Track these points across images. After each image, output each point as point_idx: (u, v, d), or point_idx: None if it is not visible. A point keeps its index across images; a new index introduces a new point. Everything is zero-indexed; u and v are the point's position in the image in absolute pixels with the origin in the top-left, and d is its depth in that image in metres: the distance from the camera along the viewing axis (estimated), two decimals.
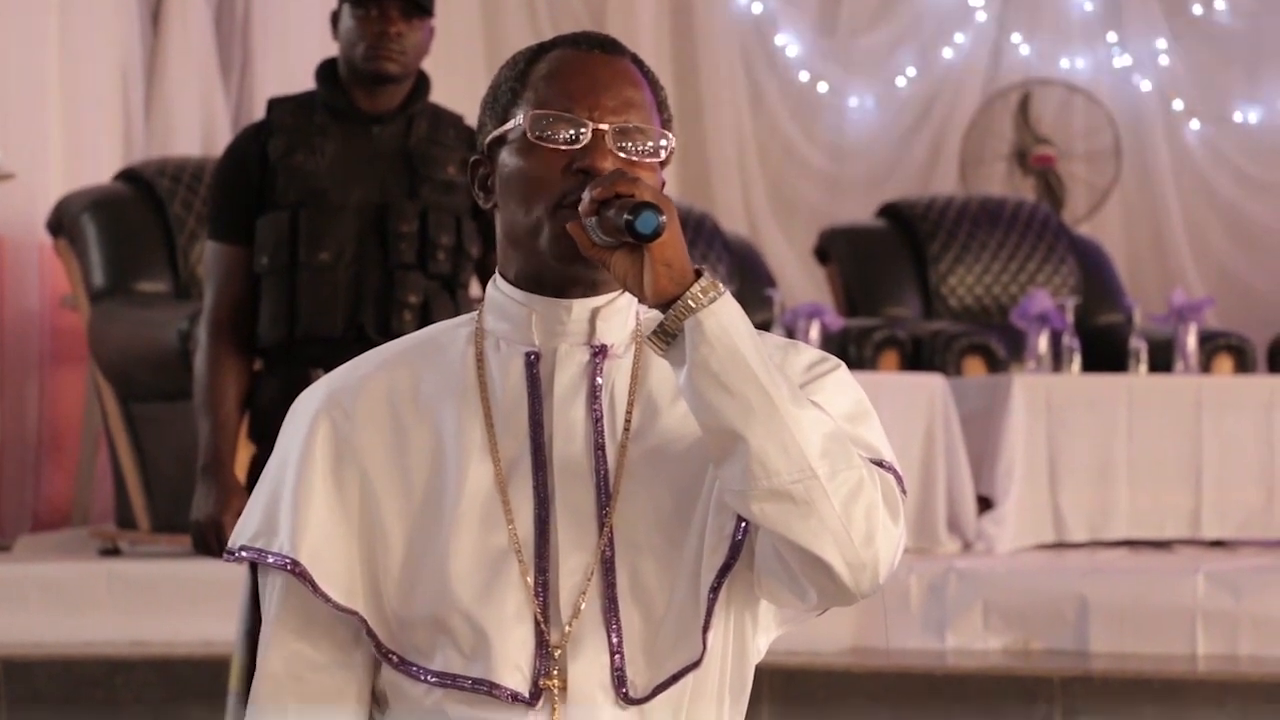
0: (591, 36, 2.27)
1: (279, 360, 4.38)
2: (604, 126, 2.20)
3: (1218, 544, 7.20)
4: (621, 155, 2.20)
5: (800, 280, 9.80)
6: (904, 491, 2.19)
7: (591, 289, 2.23)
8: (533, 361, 2.24)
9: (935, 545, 6.89)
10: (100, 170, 7.77)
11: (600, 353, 2.24)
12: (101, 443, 7.26)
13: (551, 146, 2.19)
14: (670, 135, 2.25)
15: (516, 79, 2.25)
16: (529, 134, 2.20)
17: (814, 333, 7.55)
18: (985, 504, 7.11)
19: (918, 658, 6.13)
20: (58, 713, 5.79)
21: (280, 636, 2.24)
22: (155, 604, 6.12)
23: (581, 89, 2.21)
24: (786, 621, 2.29)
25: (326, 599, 2.20)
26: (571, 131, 2.19)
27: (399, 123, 4.41)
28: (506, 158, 2.23)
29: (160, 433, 6.77)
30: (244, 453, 4.40)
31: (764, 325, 7.64)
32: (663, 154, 2.24)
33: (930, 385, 7.12)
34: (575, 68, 2.23)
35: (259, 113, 4.57)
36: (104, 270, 7.11)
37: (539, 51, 2.27)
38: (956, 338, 8.07)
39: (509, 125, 2.23)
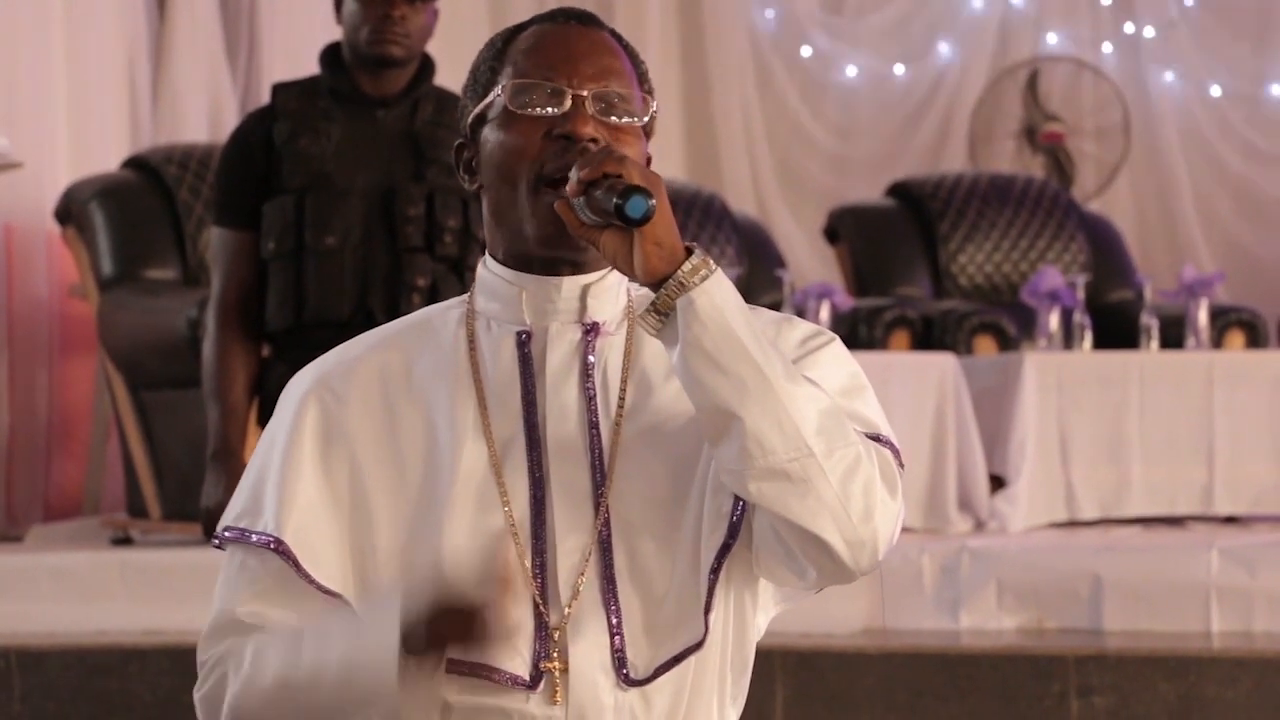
0: (569, 11, 2.26)
1: (287, 345, 4.39)
2: (584, 93, 2.19)
3: (1231, 520, 7.18)
4: (602, 121, 2.18)
5: (810, 260, 9.78)
6: (901, 465, 2.17)
7: (579, 268, 2.22)
8: (524, 341, 2.23)
9: (947, 525, 6.87)
10: (107, 158, 7.76)
11: (592, 330, 2.23)
12: (112, 431, 7.25)
13: (531, 115, 2.19)
14: (652, 103, 2.24)
15: (495, 57, 2.25)
16: (509, 105, 2.20)
17: (824, 313, 7.53)
18: (997, 483, 7.09)
19: (931, 638, 6.12)
20: (71, 703, 5.78)
21: (259, 609, 2.20)
22: (168, 592, 6.11)
23: (560, 58, 2.20)
24: (785, 599, 2.27)
25: (310, 580, 2.18)
26: (551, 100, 2.19)
27: (404, 106, 4.41)
28: (488, 134, 2.23)
29: (170, 420, 6.76)
30: (254, 439, 4.39)
31: (774, 306, 7.62)
32: (645, 119, 2.22)
33: (941, 364, 7.10)
34: (553, 39, 2.23)
35: (266, 98, 4.57)
36: (112, 258, 7.10)
37: (516, 30, 2.27)
38: (967, 316, 8.05)
39: (488, 100, 2.23)
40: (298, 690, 2.12)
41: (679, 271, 2.06)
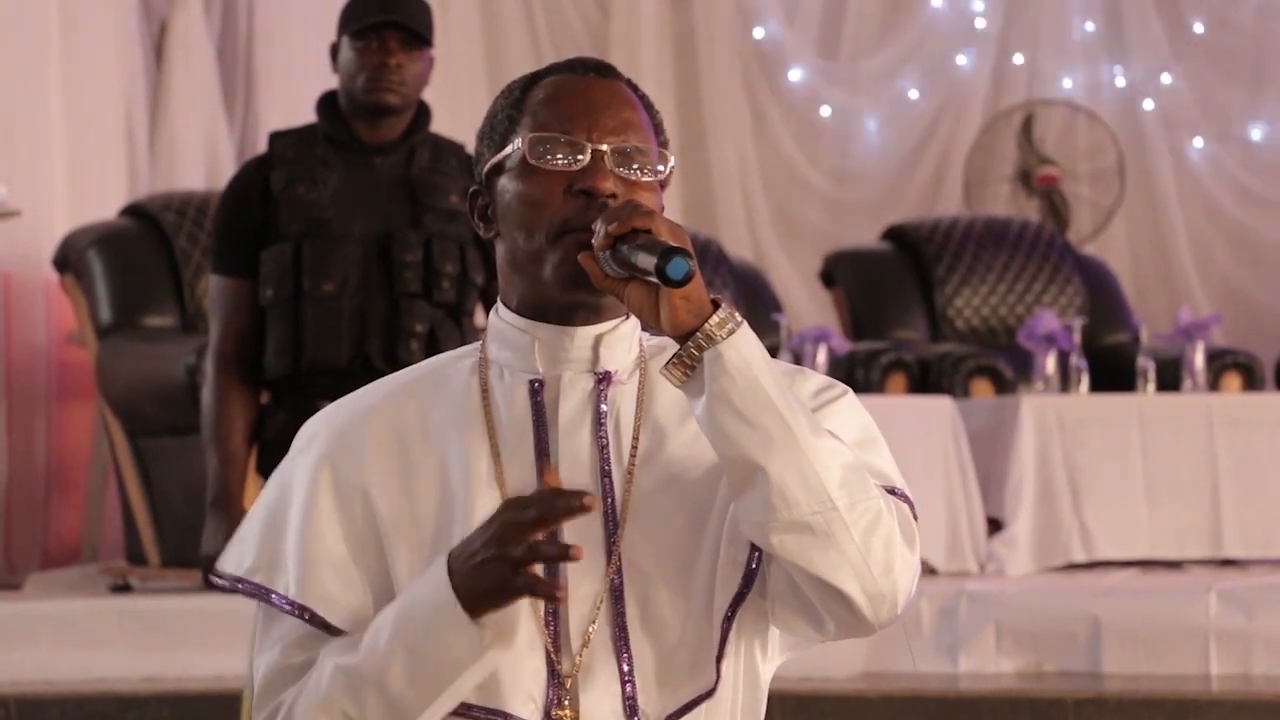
0: (586, 61, 2.26)
1: (286, 392, 4.39)
2: (603, 147, 2.19)
3: (1228, 563, 7.18)
4: (620, 176, 2.19)
5: (806, 304, 9.79)
6: (916, 518, 2.18)
7: (595, 315, 2.22)
8: (537, 389, 2.22)
9: (943, 567, 6.87)
10: (105, 206, 7.78)
11: (604, 379, 2.22)
12: (110, 478, 7.25)
13: (550, 169, 2.18)
14: (669, 156, 2.25)
15: (512, 106, 2.24)
16: (527, 157, 2.19)
17: (821, 356, 7.54)
18: (995, 526, 7.09)
19: (931, 681, 6.12)
20: None
21: (288, 652, 2.20)
22: (166, 640, 6.10)
23: (579, 111, 2.20)
24: (791, 647, 2.27)
25: (341, 634, 2.18)
26: (570, 153, 2.18)
27: (400, 153, 4.42)
28: (505, 184, 2.22)
29: (169, 467, 6.76)
30: (253, 486, 4.39)
31: (771, 350, 7.62)
32: (662, 174, 2.23)
33: (939, 408, 7.11)
34: (571, 91, 2.22)
35: (263, 145, 4.58)
36: (110, 305, 7.12)
37: (534, 79, 2.26)
38: (964, 359, 8.07)
39: (506, 151, 2.22)
40: (362, 679, 2.09)
41: (707, 325, 2.06)
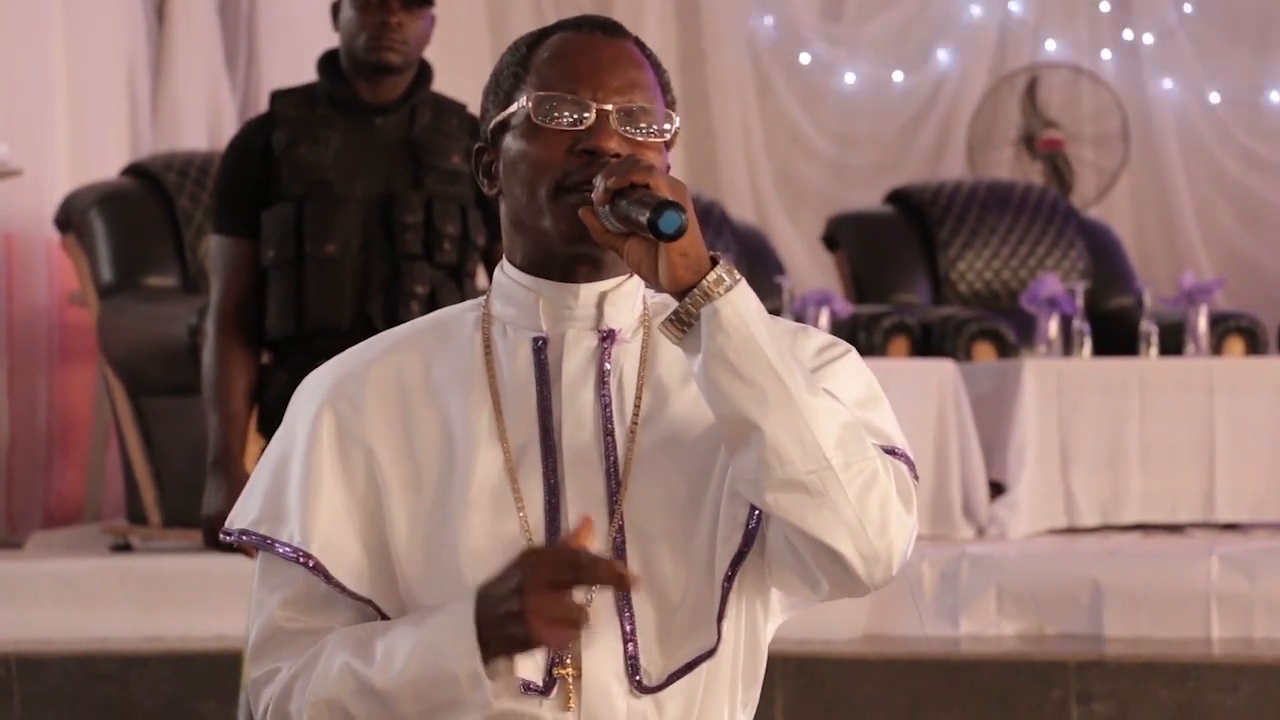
0: (593, 19, 2.25)
1: (287, 353, 4.38)
2: (608, 107, 2.18)
3: (1231, 527, 7.18)
4: (626, 136, 2.18)
5: (809, 267, 9.78)
6: (916, 478, 2.18)
7: (598, 270, 2.22)
8: (540, 347, 2.22)
9: (949, 531, 6.87)
10: (107, 165, 7.77)
11: (608, 337, 2.23)
12: (112, 438, 7.25)
13: (555, 128, 2.18)
14: (675, 116, 2.24)
15: (518, 64, 2.24)
16: (532, 116, 2.19)
17: (823, 319, 7.53)
18: (996, 489, 7.09)
19: (931, 644, 6.12)
20: (71, 709, 5.78)
21: (294, 615, 2.22)
22: (168, 599, 6.11)
23: (584, 70, 2.20)
24: (792, 607, 2.28)
25: (342, 588, 2.19)
26: (575, 113, 2.18)
27: (402, 113, 4.41)
28: (510, 142, 2.22)
29: (170, 427, 6.76)
30: (254, 446, 4.39)
31: (773, 312, 7.61)
32: (667, 134, 2.22)
33: (941, 371, 7.10)
34: (578, 49, 2.22)
35: (265, 105, 4.56)
36: (112, 265, 7.11)
37: (541, 36, 2.26)
38: (966, 323, 8.06)
39: (512, 109, 2.22)
40: (371, 689, 2.11)
41: (704, 281, 2.06)
